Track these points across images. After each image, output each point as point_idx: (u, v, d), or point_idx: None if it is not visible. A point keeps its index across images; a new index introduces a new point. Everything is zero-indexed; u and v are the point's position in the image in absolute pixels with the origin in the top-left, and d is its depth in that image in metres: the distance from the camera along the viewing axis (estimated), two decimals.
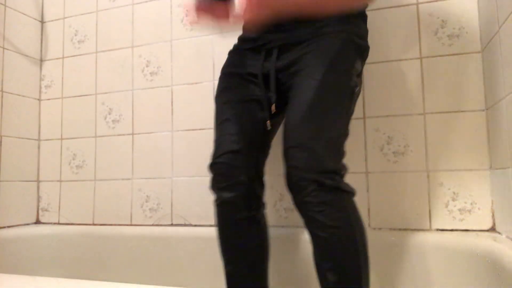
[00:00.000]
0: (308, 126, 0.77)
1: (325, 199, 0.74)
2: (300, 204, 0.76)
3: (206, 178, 0.93)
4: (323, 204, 0.74)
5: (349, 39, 0.85)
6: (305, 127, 0.77)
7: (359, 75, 0.87)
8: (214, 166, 0.87)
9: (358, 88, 0.85)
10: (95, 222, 1.40)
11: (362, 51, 0.88)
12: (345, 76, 0.82)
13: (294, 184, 0.76)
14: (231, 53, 0.98)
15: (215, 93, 0.97)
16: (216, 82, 1.26)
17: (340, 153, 0.80)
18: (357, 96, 0.87)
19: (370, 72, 1.13)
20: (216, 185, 0.87)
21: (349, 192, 0.78)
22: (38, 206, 1.51)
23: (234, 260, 0.87)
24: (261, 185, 0.90)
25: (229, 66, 0.97)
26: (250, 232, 0.88)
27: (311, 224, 0.76)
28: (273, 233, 0.95)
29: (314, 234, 0.76)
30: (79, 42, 1.51)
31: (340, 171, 0.78)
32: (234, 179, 0.85)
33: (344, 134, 0.81)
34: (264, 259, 0.90)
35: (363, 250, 0.77)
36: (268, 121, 0.88)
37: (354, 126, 1.13)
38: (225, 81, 0.96)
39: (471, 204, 1.04)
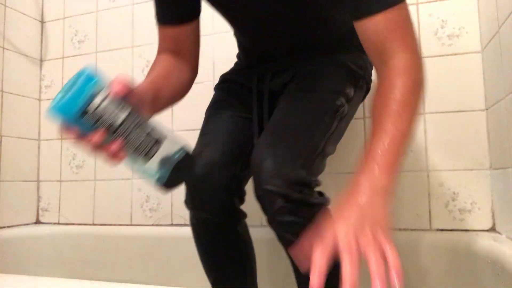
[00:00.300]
0: (278, 140, 0.73)
1: (293, 217, 0.69)
2: (269, 221, 0.72)
3: None
4: (291, 223, 0.69)
5: (341, 63, 0.84)
6: (275, 142, 0.73)
7: (350, 100, 0.82)
8: (191, 180, 0.81)
9: (345, 110, 0.80)
10: (95, 222, 1.40)
11: (356, 78, 0.85)
12: (329, 94, 0.79)
13: (260, 197, 0.71)
14: (221, 83, 0.97)
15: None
16: (216, 82, 1.26)
17: (313, 170, 0.73)
18: (344, 119, 0.81)
19: None
20: (191, 203, 0.82)
21: (319, 204, 0.72)
22: (38, 206, 1.51)
23: (217, 276, 0.85)
24: (241, 199, 0.85)
25: (223, 82, 0.97)
26: (231, 248, 0.85)
27: (281, 241, 0.73)
28: (272, 233, 0.95)
29: (286, 250, 0.73)
30: (79, 42, 1.51)
31: (310, 184, 0.72)
32: (210, 196, 0.80)
33: (322, 151, 0.75)
34: (248, 270, 0.87)
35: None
36: (258, 137, 0.84)
37: (354, 126, 1.13)
38: (218, 94, 0.95)
39: (471, 204, 1.04)
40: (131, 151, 0.55)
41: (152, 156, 0.56)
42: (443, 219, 1.05)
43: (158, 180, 0.58)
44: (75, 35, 1.52)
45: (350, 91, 0.82)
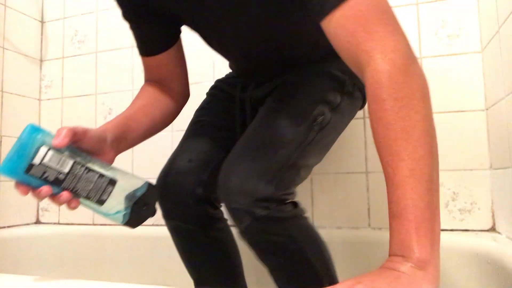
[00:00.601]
0: (245, 154, 0.71)
1: (262, 234, 0.68)
2: (241, 237, 0.71)
3: None
4: (261, 240, 0.68)
5: (323, 71, 0.79)
6: (242, 156, 0.71)
7: (335, 108, 0.77)
8: (161, 189, 0.82)
9: (325, 119, 0.74)
10: (95, 222, 1.40)
11: (341, 84, 0.78)
12: (306, 103, 0.75)
13: (229, 213, 0.70)
14: (212, 89, 0.98)
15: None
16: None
17: (284, 184, 0.69)
18: (327, 128, 0.76)
19: None
20: (162, 211, 0.83)
21: (292, 217, 0.69)
22: (38, 206, 1.50)
23: (198, 276, 0.86)
24: (213, 205, 0.84)
25: (214, 88, 0.98)
26: (206, 252, 0.84)
27: (256, 255, 0.72)
28: None
29: (262, 264, 0.72)
30: (79, 42, 1.51)
31: (278, 198, 0.67)
32: (177, 203, 0.80)
33: (294, 164, 0.70)
34: (229, 270, 0.87)
35: (321, 267, 0.71)
36: None
37: (354, 126, 1.13)
38: (205, 101, 0.96)
39: (471, 204, 1.04)
40: (84, 197, 0.57)
41: (107, 198, 0.57)
42: (443, 219, 1.05)
43: (121, 219, 0.60)
44: (75, 35, 1.52)
45: (335, 98, 0.77)
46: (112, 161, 0.66)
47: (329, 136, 0.79)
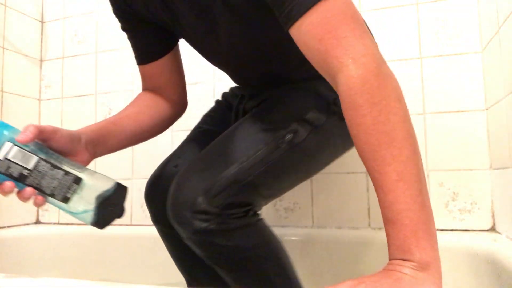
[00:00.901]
0: (196, 165, 0.70)
1: (203, 245, 0.67)
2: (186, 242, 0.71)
3: None
4: (204, 251, 0.68)
5: (312, 88, 0.75)
6: (193, 167, 0.70)
7: (316, 127, 0.72)
8: (148, 192, 0.82)
9: (299, 138, 0.70)
10: None
11: (328, 103, 0.73)
12: (281, 121, 0.71)
13: (170, 219, 0.69)
14: (220, 98, 0.99)
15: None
16: (216, 82, 1.26)
17: (232, 199, 0.65)
18: (302, 147, 0.71)
19: None
20: (152, 217, 0.85)
21: (235, 229, 0.66)
22: None
23: (188, 276, 0.86)
24: None
25: (221, 97, 0.98)
26: (194, 254, 0.83)
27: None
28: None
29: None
30: (79, 42, 1.51)
31: (221, 212, 0.65)
32: (159, 208, 0.79)
33: (251, 182, 0.66)
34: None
35: (274, 271, 0.70)
36: None
37: None
38: (210, 109, 0.97)
39: (471, 204, 1.04)
40: (48, 194, 0.57)
41: (72, 196, 0.58)
42: (443, 219, 1.05)
43: (89, 219, 0.60)
44: (75, 35, 1.52)
45: (318, 118, 0.72)
46: (86, 162, 0.67)
47: (305, 158, 0.74)
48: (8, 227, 1.37)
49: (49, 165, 0.57)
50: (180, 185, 0.68)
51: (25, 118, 1.48)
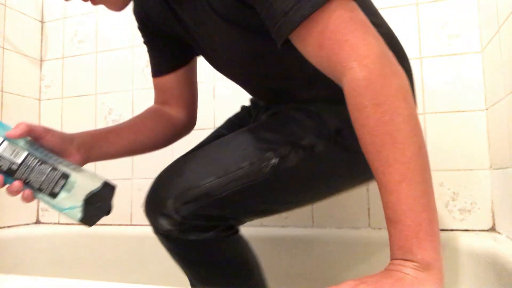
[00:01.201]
0: (181, 165, 0.70)
1: (168, 244, 0.68)
2: None
3: None
4: (168, 249, 0.69)
5: (316, 112, 0.69)
6: (178, 165, 0.70)
7: (311, 155, 0.67)
8: (146, 199, 0.78)
9: (286, 162, 0.66)
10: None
11: (329, 131, 0.68)
12: (271, 141, 0.67)
13: (143, 212, 0.70)
14: (245, 105, 0.98)
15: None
16: (217, 82, 1.26)
17: (201, 213, 0.64)
18: (287, 174, 0.67)
19: None
20: (150, 225, 0.80)
21: (198, 241, 0.65)
22: (38, 206, 1.50)
23: (191, 277, 0.83)
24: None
25: (246, 104, 0.96)
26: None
27: None
28: (273, 233, 0.95)
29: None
30: (79, 42, 1.51)
31: (185, 222, 0.64)
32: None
33: (224, 198, 0.64)
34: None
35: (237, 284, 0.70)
36: None
37: None
38: (232, 115, 0.95)
39: (471, 204, 1.04)
40: (36, 189, 0.58)
41: (59, 191, 0.59)
42: (443, 219, 1.05)
43: (77, 216, 0.61)
44: (75, 35, 1.52)
45: (315, 145, 0.67)
46: (77, 164, 0.68)
47: (292, 185, 0.69)
48: (8, 227, 1.37)
49: (38, 160, 0.58)
50: (158, 183, 0.69)
51: (25, 118, 1.48)
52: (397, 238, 0.44)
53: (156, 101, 0.88)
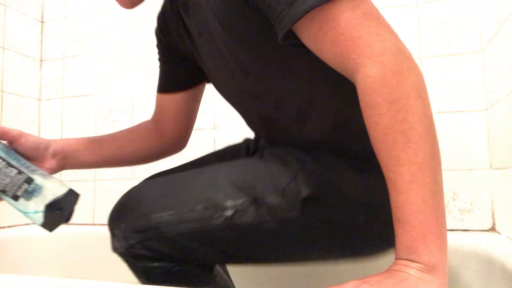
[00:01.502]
0: (155, 185, 0.69)
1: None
2: None
3: None
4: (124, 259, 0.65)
5: (299, 164, 0.62)
6: (153, 184, 0.69)
7: (274, 218, 0.60)
8: (108, 219, 0.76)
9: (239, 218, 0.59)
10: (95, 222, 1.40)
11: (301, 195, 0.60)
12: (237, 188, 0.61)
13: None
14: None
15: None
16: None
17: (145, 244, 0.60)
18: (244, 230, 0.60)
19: None
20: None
21: (138, 267, 0.62)
22: None
23: None
24: None
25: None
26: None
27: None
28: None
29: None
30: (79, 42, 1.51)
31: (129, 247, 0.61)
32: None
33: (173, 238, 0.59)
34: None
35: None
36: None
37: None
38: (234, 143, 0.90)
39: (471, 204, 1.04)
40: (0, 191, 0.59)
41: (21, 195, 0.60)
42: None
43: (39, 220, 0.63)
44: (75, 35, 1.52)
45: (281, 207, 0.59)
46: (52, 171, 0.68)
47: (250, 244, 0.62)
48: (8, 227, 1.37)
49: (5, 163, 0.59)
50: (121, 202, 0.68)
51: (25, 118, 1.48)
52: (403, 238, 0.43)
53: (153, 116, 0.87)
